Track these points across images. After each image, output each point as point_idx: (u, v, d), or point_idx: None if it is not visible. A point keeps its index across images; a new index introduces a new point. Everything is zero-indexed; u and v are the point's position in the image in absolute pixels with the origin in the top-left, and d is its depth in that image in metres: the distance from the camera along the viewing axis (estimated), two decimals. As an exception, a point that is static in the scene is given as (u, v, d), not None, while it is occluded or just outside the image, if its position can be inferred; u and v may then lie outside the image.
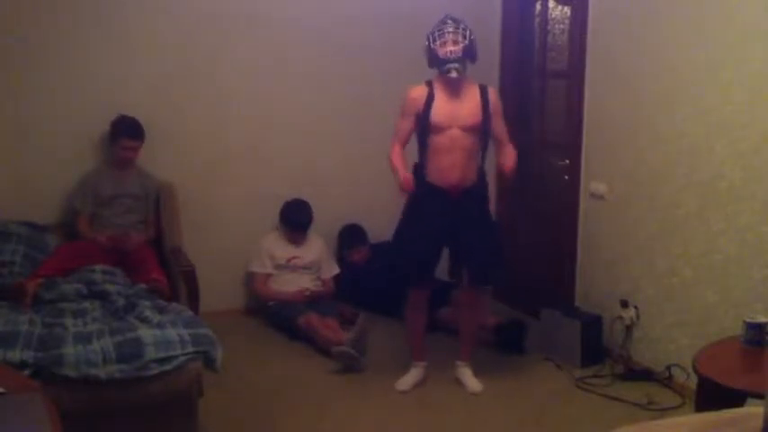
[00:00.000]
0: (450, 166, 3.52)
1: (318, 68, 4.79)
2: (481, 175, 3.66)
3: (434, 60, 3.52)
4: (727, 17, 3.31)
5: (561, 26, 4.55)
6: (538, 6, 4.76)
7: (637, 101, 3.86)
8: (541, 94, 4.86)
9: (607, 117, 4.08)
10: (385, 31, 4.84)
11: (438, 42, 3.49)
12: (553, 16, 4.63)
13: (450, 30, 3.49)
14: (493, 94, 3.62)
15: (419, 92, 3.55)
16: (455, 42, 3.47)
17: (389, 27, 4.84)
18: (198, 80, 4.54)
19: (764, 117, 3.16)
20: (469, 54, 3.52)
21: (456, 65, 3.46)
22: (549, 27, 4.67)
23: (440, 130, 3.51)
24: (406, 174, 3.51)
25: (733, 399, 2.36)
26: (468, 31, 3.51)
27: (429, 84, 3.57)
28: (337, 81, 4.82)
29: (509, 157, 3.65)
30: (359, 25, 4.82)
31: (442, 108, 3.52)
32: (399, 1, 4.87)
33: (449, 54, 3.46)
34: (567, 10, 4.47)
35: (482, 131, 3.58)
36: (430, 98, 3.52)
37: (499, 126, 3.66)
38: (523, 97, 4.93)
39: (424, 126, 3.53)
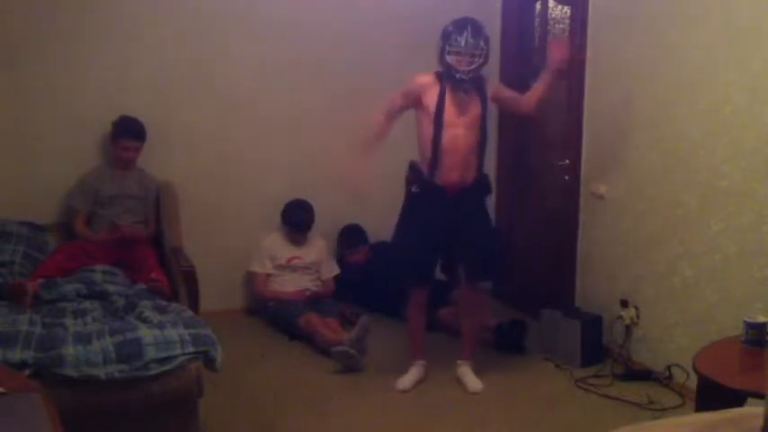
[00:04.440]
0: (453, 164, 3.53)
1: (319, 68, 4.79)
2: (481, 173, 3.66)
3: (444, 65, 3.48)
4: (727, 17, 3.31)
5: (561, 26, 4.55)
6: (538, 6, 4.76)
7: (637, 101, 3.86)
8: (541, 93, 4.86)
9: (607, 117, 4.08)
10: (387, 31, 4.84)
11: (454, 56, 3.41)
12: (553, 16, 4.63)
13: (470, 47, 3.40)
14: (490, 87, 3.63)
15: (429, 82, 3.53)
16: (470, 63, 3.43)
17: (391, 27, 4.84)
18: (199, 80, 4.54)
19: (764, 117, 3.16)
20: (481, 69, 3.51)
21: (466, 85, 3.45)
22: (549, 27, 4.67)
23: (446, 128, 3.50)
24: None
25: (733, 399, 2.36)
26: (486, 49, 3.46)
27: (439, 78, 3.53)
28: (338, 81, 4.82)
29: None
30: (360, 25, 4.83)
31: (449, 107, 3.51)
32: (402, 1, 4.87)
33: (462, 73, 3.43)
34: (567, 10, 4.47)
35: (482, 128, 3.58)
36: (442, 95, 3.50)
37: (508, 92, 3.74)
38: (523, 97, 4.93)
39: (436, 124, 3.51)
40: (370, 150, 3.60)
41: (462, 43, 3.40)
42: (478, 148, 3.60)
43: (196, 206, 4.50)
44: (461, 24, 3.44)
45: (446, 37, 3.45)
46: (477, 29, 3.44)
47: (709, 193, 3.44)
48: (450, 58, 3.43)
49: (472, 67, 3.43)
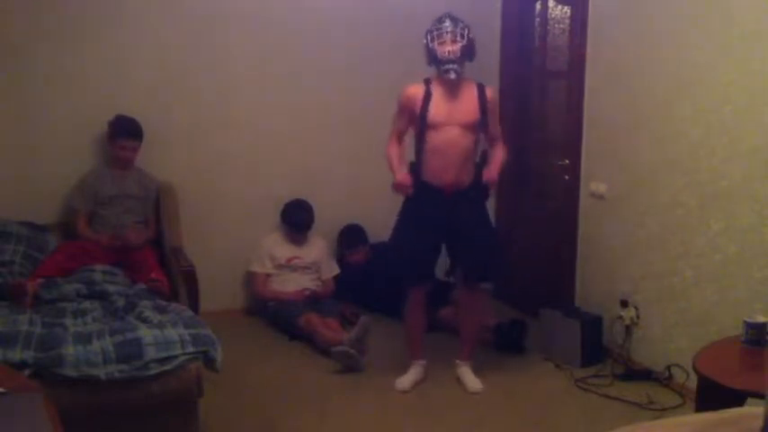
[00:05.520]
0: (446, 166, 3.53)
1: (319, 69, 4.79)
2: (478, 174, 3.65)
3: (433, 59, 3.52)
4: (727, 17, 3.31)
5: (561, 26, 4.55)
6: (538, 6, 4.76)
7: (636, 101, 3.85)
8: (541, 94, 4.86)
9: (607, 117, 4.08)
10: (386, 32, 4.85)
11: (436, 42, 3.48)
12: (553, 16, 4.63)
13: (449, 29, 3.48)
14: (490, 92, 3.62)
15: (415, 90, 3.56)
16: (453, 42, 3.47)
17: (390, 28, 4.84)
18: (198, 80, 4.54)
19: (764, 117, 3.16)
20: (468, 53, 3.52)
21: (454, 66, 3.45)
22: (548, 27, 4.67)
23: (437, 128, 3.51)
24: (402, 174, 3.53)
25: (733, 399, 2.36)
26: (466, 30, 3.51)
27: (427, 82, 3.57)
28: (338, 81, 4.82)
29: (493, 166, 3.64)
30: (359, 26, 4.83)
31: (440, 106, 3.52)
32: (400, 1, 4.87)
33: (447, 54, 3.45)
34: (567, 10, 4.47)
35: (479, 130, 3.59)
36: (427, 96, 3.52)
37: (494, 125, 3.66)
38: (523, 97, 4.93)
39: (421, 124, 3.53)
40: (399, 172, 3.58)
41: (441, 26, 3.49)
42: (475, 151, 3.61)
43: (196, 206, 4.50)
44: (440, 16, 3.56)
45: (428, 31, 3.54)
46: (454, 17, 3.55)
47: (709, 193, 3.44)
48: (433, 45, 3.49)
49: (455, 47, 3.46)
